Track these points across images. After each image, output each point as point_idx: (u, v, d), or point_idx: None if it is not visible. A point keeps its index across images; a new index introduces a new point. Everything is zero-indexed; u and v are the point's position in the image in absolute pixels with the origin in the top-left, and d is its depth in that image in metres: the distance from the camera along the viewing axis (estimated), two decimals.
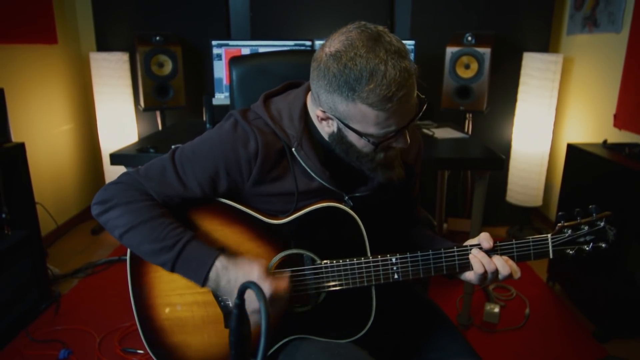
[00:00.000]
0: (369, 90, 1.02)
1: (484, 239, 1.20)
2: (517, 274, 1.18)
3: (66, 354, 2.40)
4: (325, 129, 1.19)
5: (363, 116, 1.07)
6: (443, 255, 1.21)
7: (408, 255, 1.21)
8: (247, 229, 1.25)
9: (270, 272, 1.16)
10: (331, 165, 1.24)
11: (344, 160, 1.22)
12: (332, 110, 1.11)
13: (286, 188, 1.24)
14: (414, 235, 1.47)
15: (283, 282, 1.15)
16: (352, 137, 1.13)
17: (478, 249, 1.20)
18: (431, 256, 1.21)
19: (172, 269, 1.17)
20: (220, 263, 1.15)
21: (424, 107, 1.13)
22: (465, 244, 1.23)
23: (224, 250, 1.21)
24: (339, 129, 1.15)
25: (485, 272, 1.18)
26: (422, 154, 1.44)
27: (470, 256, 1.20)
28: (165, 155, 1.25)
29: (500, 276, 1.19)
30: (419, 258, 1.21)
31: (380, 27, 1.07)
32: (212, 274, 1.15)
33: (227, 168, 1.20)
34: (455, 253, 1.21)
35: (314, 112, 1.19)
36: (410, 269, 1.21)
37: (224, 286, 1.15)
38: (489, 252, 1.20)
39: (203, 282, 1.15)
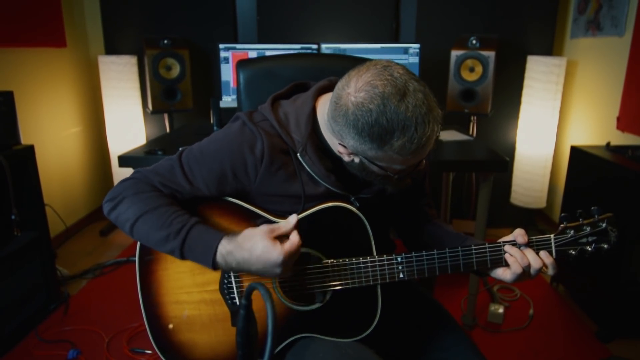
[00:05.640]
0: (401, 144, 1.04)
1: (519, 234, 1.21)
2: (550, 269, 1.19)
3: (75, 354, 2.42)
4: (345, 158, 1.20)
5: (390, 159, 1.10)
6: (448, 254, 1.23)
7: (413, 254, 1.23)
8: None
9: (276, 233, 1.14)
10: (336, 169, 1.26)
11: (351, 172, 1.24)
12: (358, 152, 1.13)
13: (293, 191, 1.25)
14: (426, 232, 1.47)
15: (291, 245, 1.13)
16: (374, 168, 1.16)
17: (510, 245, 1.21)
18: (436, 256, 1.23)
19: (182, 255, 1.17)
20: (223, 248, 1.14)
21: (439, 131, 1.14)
22: (500, 240, 1.24)
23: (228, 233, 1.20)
24: (361, 162, 1.16)
25: (521, 268, 1.19)
26: (431, 154, 1.46)
27: (506, 255, 1.21)
28: (172, 156, 1.27)
29: (532, 270, 1.19)
30: (424, 257, 1.23)
31: (401, 70, 1.07)
32: (219, 259, 1.15)
33: (234, 169, 1.22)
34: (460, 253, 1.23)
35: (329, 135, 1.21)
36: (415, 268, 1.23)
37: (236, 268, 1.15)
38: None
39: (212, 266, 1.15)
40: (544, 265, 1.19)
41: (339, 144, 1.16)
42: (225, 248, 1.14)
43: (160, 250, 1.21)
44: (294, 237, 1.14)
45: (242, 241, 1.14)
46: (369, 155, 1.11)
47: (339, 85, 1.12)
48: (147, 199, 1.19)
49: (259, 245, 1.11)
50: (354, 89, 1.07)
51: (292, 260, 1.14)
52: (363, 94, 1.05)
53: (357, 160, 1.17)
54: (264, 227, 1.14)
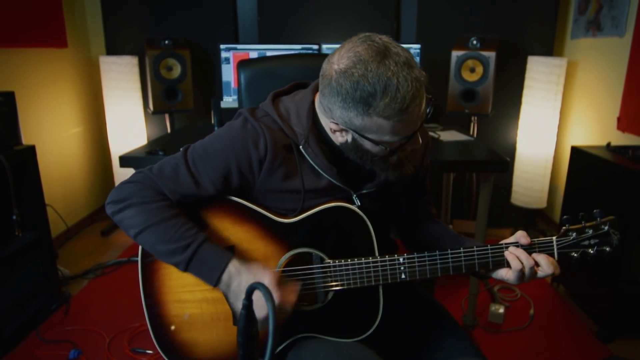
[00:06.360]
0: (385, 105, 1.04)
1: (521, 236, 1.22)
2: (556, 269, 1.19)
3: (76, 354, 2.42)
4: (338, 139, 1.20)
5: (379, 127, 1.10)
6: (449, 255, 1.23)
7: (415, 255, 1.23)
8: (257, 228, 1.27)
9: (281, 281, 1.17)
10: (338, 162, 1.26)
11: (351, 158, 1.24)
12: (347, 124, 1.13)
13: (295, 185, 1.26)
14: (427, 229, 1.48)
15: (292, 296, 1.17)
16: (367, 145, 1.16)
17: (515, 246, 1.21)
18: (438, 256, 1.23)
19: (186, 270, 1.19)
20: (233, 266, 1.17)
21: (432, 106, 1.15)
22: (501, 242, 1.24)
23: (234, 252, 1.23)
24: (353, 139, 1.17)
25: (523, 268, 1.19)
26: (430, 147, 1.46)
27: (506, 253, 1.21)
28: (177, 154, 1.27)
29: (540, 271, 1.19)
30: (426, 258, 1.23)
31: (385, 37, 1.09)
32: (224, 276, 1.16)
33: (239, 165, 1.22)
34: (462, 254, 1.23)
35: (324, 119, 1.22)
36: (417, 268, 1.23)
37: (234, 289, 1.17)
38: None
39: (215, 283, 1.17)
40: (554, 267, 1.19)
41: (330, 121, 1.17)
42: (235, 266, 1.17)
43: (162, 260, 1.23)
44: (293, 295, 1.18)
45: (254, 267, 1.18)
46: (357, 125, 1.12)
47: (325, 60, 1.14)
48: (154, 209, 1.19)
49: (266, 278, 1.15)
50: (337, 58, 1.10)
51: (280, 312, 1.16)
52: (345, 60, 1.08)
53: (349, 139, 1.18)
54: (276, 272, 1.18)
